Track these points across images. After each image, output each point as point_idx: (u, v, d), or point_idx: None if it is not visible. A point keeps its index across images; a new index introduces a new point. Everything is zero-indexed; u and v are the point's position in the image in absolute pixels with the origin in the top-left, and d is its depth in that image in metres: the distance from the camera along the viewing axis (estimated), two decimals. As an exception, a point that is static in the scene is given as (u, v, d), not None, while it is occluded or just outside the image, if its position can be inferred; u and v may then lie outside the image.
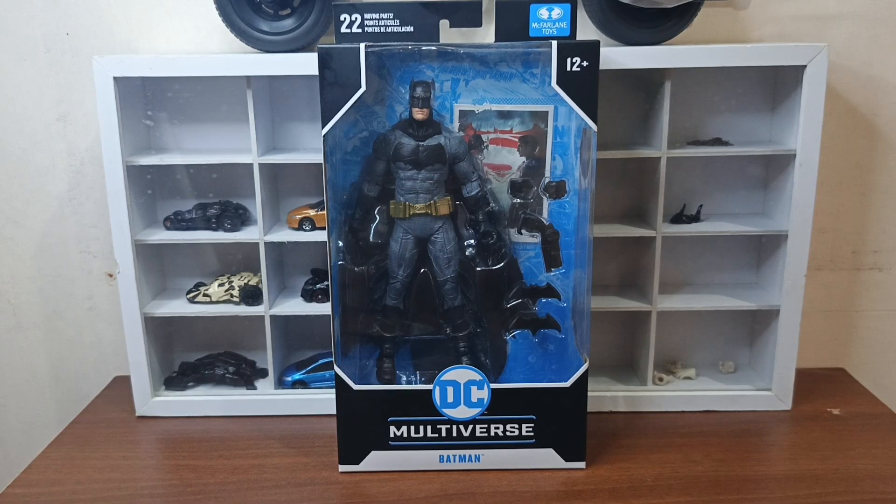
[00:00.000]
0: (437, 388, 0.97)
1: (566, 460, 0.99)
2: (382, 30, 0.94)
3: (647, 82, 1.11)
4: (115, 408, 1.17)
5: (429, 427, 0.98)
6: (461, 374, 0.97)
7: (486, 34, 1.12)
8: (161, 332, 1.18)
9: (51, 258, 1.26)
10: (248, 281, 1.15)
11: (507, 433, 0.98)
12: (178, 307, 1.15)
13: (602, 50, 0.91)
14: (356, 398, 0.97)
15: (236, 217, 1.13)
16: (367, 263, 0.97)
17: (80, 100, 1.19)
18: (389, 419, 0.98)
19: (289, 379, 1.17)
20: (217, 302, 1.14)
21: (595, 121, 0.91)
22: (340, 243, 0.96)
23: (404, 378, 1.01)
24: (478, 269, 0.98)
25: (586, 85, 0.90)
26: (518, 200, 0.97)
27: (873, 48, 1.17)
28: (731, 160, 1.17)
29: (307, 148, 1.16)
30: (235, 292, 1.14)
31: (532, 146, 0.95)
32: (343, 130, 0.94)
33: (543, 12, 0.93)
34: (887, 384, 1.30)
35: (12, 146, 1.21)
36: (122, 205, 1.06)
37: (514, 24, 0.93)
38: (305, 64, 1.00)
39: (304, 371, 1.17)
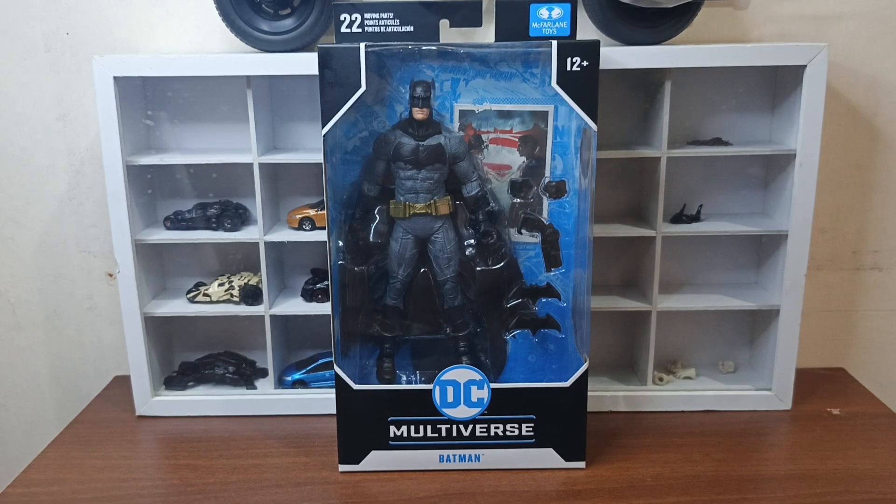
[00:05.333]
0: (437, 388, 0.97)
1: (566, 460, 0.99)
2: (382, 29, 0.94)
3: (647, 82, 1.11)
4: (115, 408, 1.17)
5: (429, 427, 0.98)
6: (461, 373, 0.97)
7: (486, 34, 1.12)
8: (161, 331, 1.19)
9: (51, 258, 1.26)
10: (248, 281, 1.15)
11: (507, 433, 0.98)
12: (178, 307, 1.15)
13: (602, 50, 0.91)
14: (356, 398, 0.97)
15: (236, 217, 1.13)
16: (367, 263, 0.97)
17: (80, 100, 1.19)
18: (389, 419, 0.98)
19: (289, 379, 1.17)
20: (217, 302, 1.14)
21: (595, 121, 0.91)
22: (340, 243, 0.96)
23: (404, 378, 1.01)
24: (478, 268, 0.98)
25: (586, 85, 0.90)
26: (518, 200, 0.97)
27: (873, 48, 1.17)
28: (731, 160, 1.17)
29: (307, 148, 1.16)
30: (235, 292, 1.14)
31: (532, 146, 0.95)
32: (343, 130, 0.94)
33: (543, 12, 0.93)
34: (887, 384, 1.30)
35: (12, 146, 1.21)
36: (122, 205, 1.06)
37: (514, 23, 0.93)
38: (305, 64, 1.00)
39: (304, 371, 1.17)
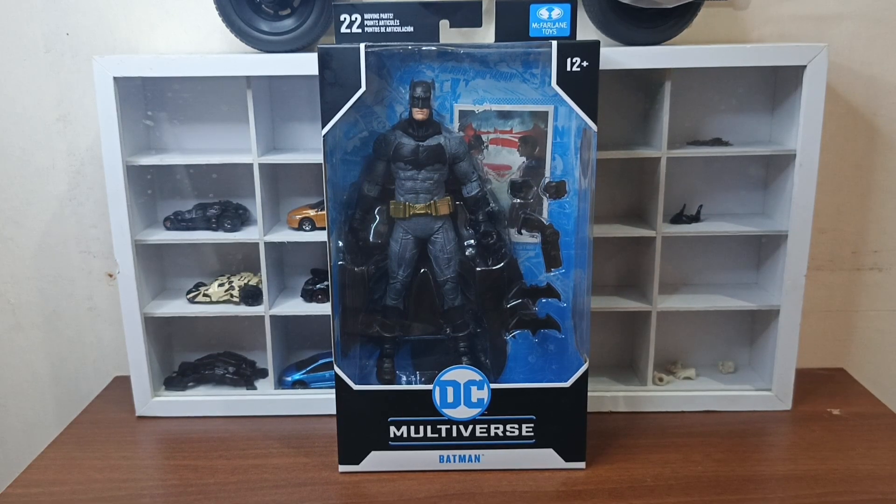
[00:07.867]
0: (437, 388, 0.97)
1: (566, 460, 0.99)
2: (382, 30, 0.94)
3: (647, 82, 1.11)
4: (115, 408, 1.17)
5: (429, 427, 0.98)
6: (461, 374, 0.97)
7: (486, 34, 1.12)
8: (161, 332, 1.19)
9: (51, 258, 1.26)
10: (248, 281, 1.15)
11: (507, 433, 0.98)
12: (178, 307, 1.15)
13: (602, 50, 0.91)
14: (356, 398, 0.97)
15: (236, 217, 1.13)
16: (367, 263, 0.97)
17: (80, 100, 1.19)
18: (389, 419, 0.98)
19: (289, 379, 1.17)
20: (217, 302, 1.14)
21: (595, 121, 0.91)
22: (340, 243, 0.96)
23: (404, 378, 1.01)
24: (478, 269, 0.98)
25: (586, 85, 0.90)
26: (518, 200, 0.97)
27: (873, 48, 1.17)
28: (731, 160, 1.17)
29: (307, 148, 1.16)
30: (235, 292, 1.14)
31: (532, 146, 0.95)
32: (343, 130, 0.94)
33: (543, 12, 0.93)
34: (887, 384, 1.30)
35: (12, 146, 1.21)
36: (122, 205, 1.06)
37: (514, 24, 0.93)
38: (305, 64, 1.00)
39: (304, 371, 1.17)
